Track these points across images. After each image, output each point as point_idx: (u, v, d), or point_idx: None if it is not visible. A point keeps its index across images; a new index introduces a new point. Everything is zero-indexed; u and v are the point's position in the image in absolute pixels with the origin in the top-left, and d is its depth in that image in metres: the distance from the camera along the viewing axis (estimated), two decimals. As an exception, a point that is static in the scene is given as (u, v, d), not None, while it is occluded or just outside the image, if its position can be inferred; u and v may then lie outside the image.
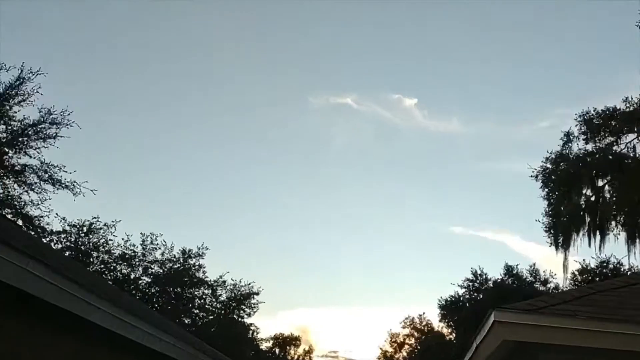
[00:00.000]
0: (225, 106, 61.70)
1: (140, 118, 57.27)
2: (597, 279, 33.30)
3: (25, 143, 29.26)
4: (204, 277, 39.87)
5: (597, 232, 30.42)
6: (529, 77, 55.13)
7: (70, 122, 29.27)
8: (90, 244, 35.36)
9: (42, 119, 29.11)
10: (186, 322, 38.71)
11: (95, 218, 35.32)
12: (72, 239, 34.83)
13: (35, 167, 29.45)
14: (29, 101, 28.67)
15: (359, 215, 77.45)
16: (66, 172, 29.88)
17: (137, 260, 37.22)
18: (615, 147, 30.29)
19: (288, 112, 66.63)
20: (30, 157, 29.26)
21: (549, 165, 32.02)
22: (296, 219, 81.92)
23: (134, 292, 35.50)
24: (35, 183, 29.60)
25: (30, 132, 29.10)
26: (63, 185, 29.85)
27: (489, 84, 56.64)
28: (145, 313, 9.78)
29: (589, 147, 31.06)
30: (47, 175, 29.59)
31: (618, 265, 34.09)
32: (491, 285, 42.78)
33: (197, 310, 40.71)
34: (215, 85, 58.56)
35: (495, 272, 48.13)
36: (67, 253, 32.46)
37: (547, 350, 5.96)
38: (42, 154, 29.38)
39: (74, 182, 29.96)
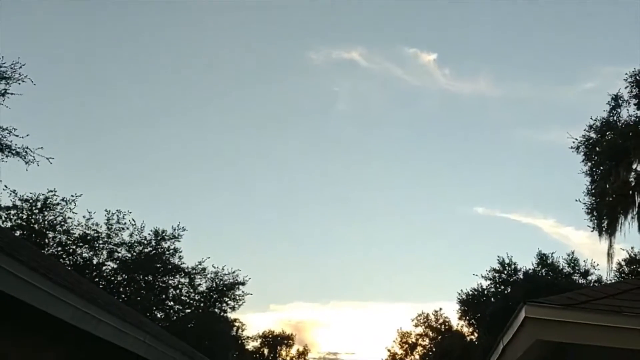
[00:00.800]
0: (203, 65, 61.57)
1: (107, 74, 57.16)
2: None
3: (-33, 101, 29.16)
4: (179, 263, 40.02)
5: (649, 215, 30.45)
6: (571, 29, 54.88)
7: (22, 77, 29.17)
8: (46, 222, 35.42)
9: (-13, 73, 28.98)
10: (159, 315, 38.94)
11: (52, 192, 35.39)
12: (24, 216, 34.87)
13: (-21, 130, 29.38)
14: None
15: (365, 195, 77.64)
16: (17, 136, 29.82)
17: (100, 242, 37.33)
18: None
19: (281, 71, 66.46)
20: (-26, 117, 29.18)
21: (592, 135, 31.98)
22: (291, 199, 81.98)
23: (96, 279, 35.64)
24: (-20, 149, 29.54)
25: (-27, 88, 29.00)
26: (13, 151, 29.79)
27: (523, 38, 56.45)
28: (108, 303, 9.82)
29: (642, 113, 31.02)
30: (-6, 140, 29.52)
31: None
32: (521, 276, 42.97)
33: (172, 303, 40.91)
34: (192, 40, 58.42)
35: (526, 262, 48.38)
36: (17, 232, 32.50)
37: (587, 352, 5.98)
38: (-12, 114, 29.28)
39: (27, 148, 29.90)
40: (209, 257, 47.85)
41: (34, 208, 35.06)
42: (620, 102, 31.10)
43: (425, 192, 78.28)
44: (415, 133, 74.47)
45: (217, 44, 59.79)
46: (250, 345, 65.05)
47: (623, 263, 36.70)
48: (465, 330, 52.82)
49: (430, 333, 63.57)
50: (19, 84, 29.07)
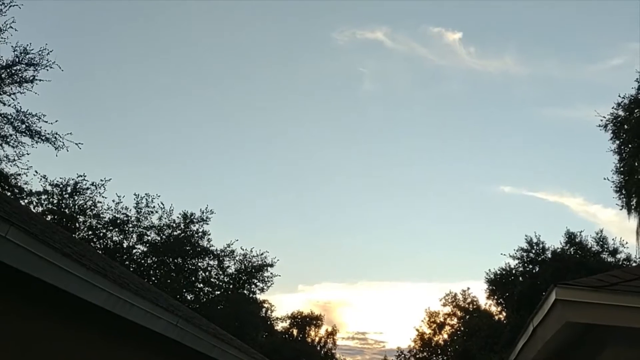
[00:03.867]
0: (228, 48, 61.61)
1: (133, 60, 57.41)
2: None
3: (-3, 88, 29.37)
4: (208, 245, 40.28)
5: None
6: (597, 4, 54.19)
7: (50, 63, 29.36)
8: (76, 207, 35.75)
9: (17, 60, 29.18)
10: (189, 298, 39.24)
11: (81, 176, 35.71)
12: (55, 201, 35.21)
13: (10, 117, 29.64)
14: (1, 38, 28.72)
15: (392, 174, 77.56)
16: (46, 122, 30.06)
17: (130, 225, 37.64)
18: None
19: (307, 53, 66.34)
20: (4, 104, 29.47)
21: (620, 113, 31.63)
22: (318, 179, 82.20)
23: (127, 262, 35.96)
24: (11, 135, 29.83)
25: (3, 75, 29.19)
26: (43, 137, 30.02)
27: (549, 15, 55.83)
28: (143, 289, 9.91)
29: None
30: (24, 126, 29.80)
31: None
32: (549, 255, 42.81)
33: (201, 285, 41.21)
34: (213, 22, 58.43)
35: (554, 241, 48.31)
36: (48, 217, 32.83)
37: (618, 335, 5.95)
38: (18, 101, 29.54)
39: (56, 134, 30.15)
40: (237, 240, 48.18)
41: (64, 193, 35.38)
42: (649, 78, 30.73)
43: (452, 171, 78.14)
44: (441, 112, 74.23)
45: (242, 25, 59.73)
46: (280, 326, 65.49)
47: (652, 241, 36.25)
48: (493, 309, 52.81)
49: (458, 312, 63.50)
50: (47, 70, 29.28)
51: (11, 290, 6.05)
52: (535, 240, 43.65)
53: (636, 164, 31.26)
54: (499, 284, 45.61)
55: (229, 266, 41.69)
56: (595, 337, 6.28)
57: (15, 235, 5.27)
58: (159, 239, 38.67)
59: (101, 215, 36.68)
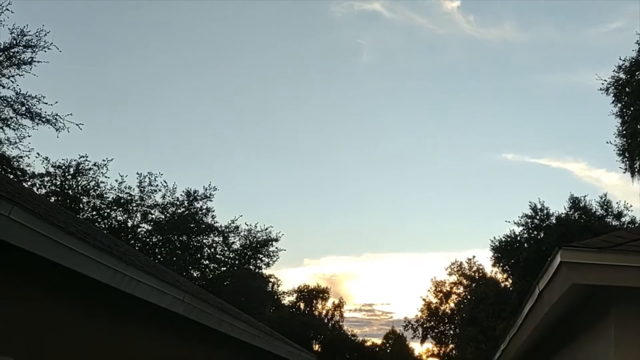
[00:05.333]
0: (227, 23, 61.31)
1: (131, 37, 57.18)
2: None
3: (-5, 70, 29.32)
4: (213, 222, 40.39)
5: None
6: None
7: (47, 44, 29.29)
8: (79, 188, 35.81)
9: (14, 42, 29.11)
10: (195, 275, 39.40)
11: (83, 157, 35.71)
12: (58, 183, 35.25)
13: (10, 99, 29.64)
14: (-3, 20, 28.59)
15: (394, 146, 77.51)
16: (46, 103, 30.05)
17: (134, 205, 37.73)
18: None
19: (305, 26, 66.01)
20: (4, 87, 29.45)
21: (622, 76, 31.50)
22: (320, 152, 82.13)
23: (132, 241, 36.08)
24: (11, 118, 29.85)
25: (1, 58, 29.13)
26: (43, 119, 30.04)
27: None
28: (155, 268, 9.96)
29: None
30: (24, 108, 29.80)
31: None
32: (554, 221, 42.86)
33: (207, 261, 41.39)
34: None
35: (558, 206, 48.30)
36: (52, 199, 32.90)
37: (624, 295, 5.96)
38: (17, 83, 29.49)
39: (56, 115, 30.14)
40: (241, 215, 48.27)
41: (67, 174, 35.42)
42: (650, 40, 30.58)
43: (455, 140, 78.16)
44: (441, 81, 74.05)
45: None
46: (287, 300, 65.78)
47: (657, 203, 36.28)
48: (499, 276, 52.96)
49: (464, 281, 63.77)
50: (45, 51, 29.21)
51: (16, 270, 6.07)
52: (539, 206, 43.70)
53: (639, 126, 31.19)
54: (504, 251, 45.69)
55: (234, 242, 41.88)
56: (601, 298, 6.30)
57: (19, 215, 5.27)
58: (163, 217, 38.77)
59: (105, 196, 36.79)
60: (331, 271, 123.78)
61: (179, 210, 39.08)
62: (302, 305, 71.24)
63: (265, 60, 68.35)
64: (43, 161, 34.43)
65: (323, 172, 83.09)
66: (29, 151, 31.52)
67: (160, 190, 38.42)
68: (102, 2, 52.79)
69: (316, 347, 66.64)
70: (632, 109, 31.47)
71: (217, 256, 41.64)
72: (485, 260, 61.51)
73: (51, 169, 34.91)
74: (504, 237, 45.44)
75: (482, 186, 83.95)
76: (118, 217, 37.41)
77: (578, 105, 69.84)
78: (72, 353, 7.26)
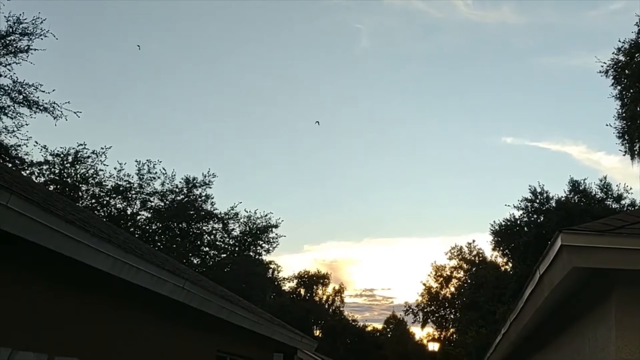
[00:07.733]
0: (224, 7, 61.12)
1: (129, 26, 57.01)
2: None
3: (-8, 59, 29.26)
4: (212, 209, 40.44)
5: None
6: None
7: (44, 32, 29.20)
8: (78, 176, 35.79)
9: (10, 30, 29.02)
10: (195, 262, 39.46)
11: (82, 145, 35.66)
12: (56, 171, 35.22)
13: (7, 87, 29.58)
14: (-7, 8, 28.48)
15: (394, 131, 77.48)
16: (44, 91, 29.98)
17: (133, 192, 37.73)
18: None
19: (302, 10, 65.85)
20: (1, 75, 29.35)
21: (621, 58, 31.42)
22: (320, 138, 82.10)
23: (131, 229, 36.09)
24: (9, 106, 29.80)
25: (-3, 46, 29.06)
26: (41, 107, 29.99)
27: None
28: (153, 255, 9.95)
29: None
30: (21, 97, 29.74)
31: None
32: (554, 204, 42.90)
33: (207, 248, 41.45)
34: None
35: (558, 190, 48.39)
36: (50, 187, 32.88)
37: (625, 278, 5.96)
38: (14, 72, 29.42)
39: (54, 103, 30.09)
40: (240, 202, 48.45)
41: (65, 162, 35.37)
42: (649, 22, 30.47)
43: (454, 124, 78.15)
44: (440, 65, 73.88)
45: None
46: (287, 286, 65.94)
47: (657, 185, 36.28)
48: (500, 260, 53.07)
49: (464, 265, 63.90)
50: (42, 39, 29.15)
51: (15, 259, 6.06)
52: (539, 190, 43.73)
53: (638, 108, 31.14)
54: (504, 235, 45.76)
55: (233, 229, 41.94)
56: (602, 281, 6.30)
57: (16, 204, 5.25)
58: (162, 204, 38.78)
59: (103, 184, 36.77)
60: (331, 257, 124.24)
61: (178, 198, 39.10)
62: (302, 291, 71.41)
63: (263, 46, 68.24)
64: (41, 149, 34.46)
65: (322, 158, 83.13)
66: (27, 139, 31.54)
67: (159, 177, 38.49)
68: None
69: (317, 333, 66.90)
70: (631, 91, 31.41)
71: (217, 243, 41.72)
72: (486, 245, 61.60)
73: (49, 157, 34.92)
74: (504, 221, 45.54)
75: (481, 170, 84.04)
76: (117, 205, 37.44)
77: (577, 88, 69.83)
78: (74, 343, 7.27)
